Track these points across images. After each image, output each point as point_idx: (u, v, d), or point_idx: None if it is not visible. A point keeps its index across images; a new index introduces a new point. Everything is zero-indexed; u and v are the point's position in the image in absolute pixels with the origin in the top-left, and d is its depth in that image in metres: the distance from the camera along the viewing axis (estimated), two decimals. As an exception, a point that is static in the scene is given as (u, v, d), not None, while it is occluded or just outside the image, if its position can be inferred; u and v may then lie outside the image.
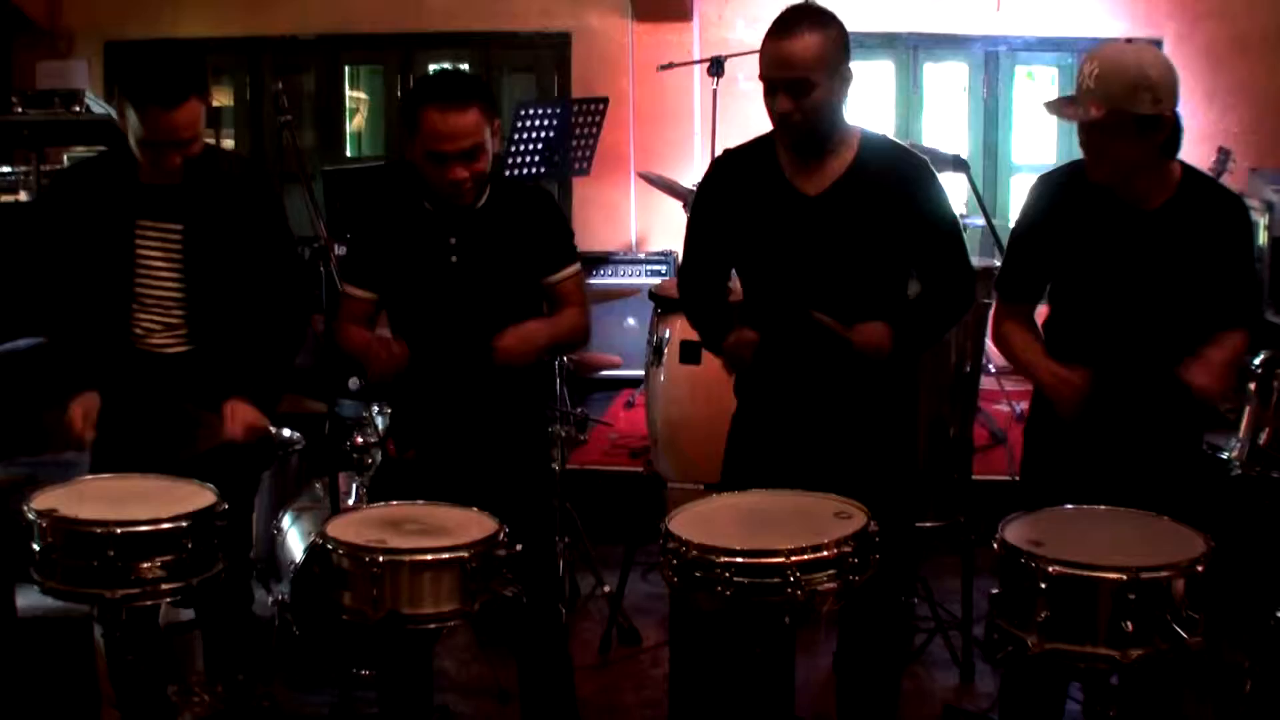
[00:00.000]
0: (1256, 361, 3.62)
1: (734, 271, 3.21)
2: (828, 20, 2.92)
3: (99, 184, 3.23)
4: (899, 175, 3.00)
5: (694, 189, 5.74)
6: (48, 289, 3.31)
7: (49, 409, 3.18)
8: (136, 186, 3.19)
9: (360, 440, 4.26)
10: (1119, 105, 2.78)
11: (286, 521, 4.14)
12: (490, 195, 3.12)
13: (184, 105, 3.05)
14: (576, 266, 3.22)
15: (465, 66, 7.44)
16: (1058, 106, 2.92)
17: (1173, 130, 2.86)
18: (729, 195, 3.09)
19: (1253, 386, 3.64)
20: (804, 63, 2.86)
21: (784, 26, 2.90)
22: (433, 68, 7.51)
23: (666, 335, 4.33)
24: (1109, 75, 2.79)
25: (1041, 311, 3.19)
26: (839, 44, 2.91)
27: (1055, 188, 3.04)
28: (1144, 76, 2.78)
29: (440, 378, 3.14)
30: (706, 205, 3.16)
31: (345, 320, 3.20)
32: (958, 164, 5.16)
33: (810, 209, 2.99)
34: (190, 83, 3.07)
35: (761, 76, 2.93)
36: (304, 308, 3.47)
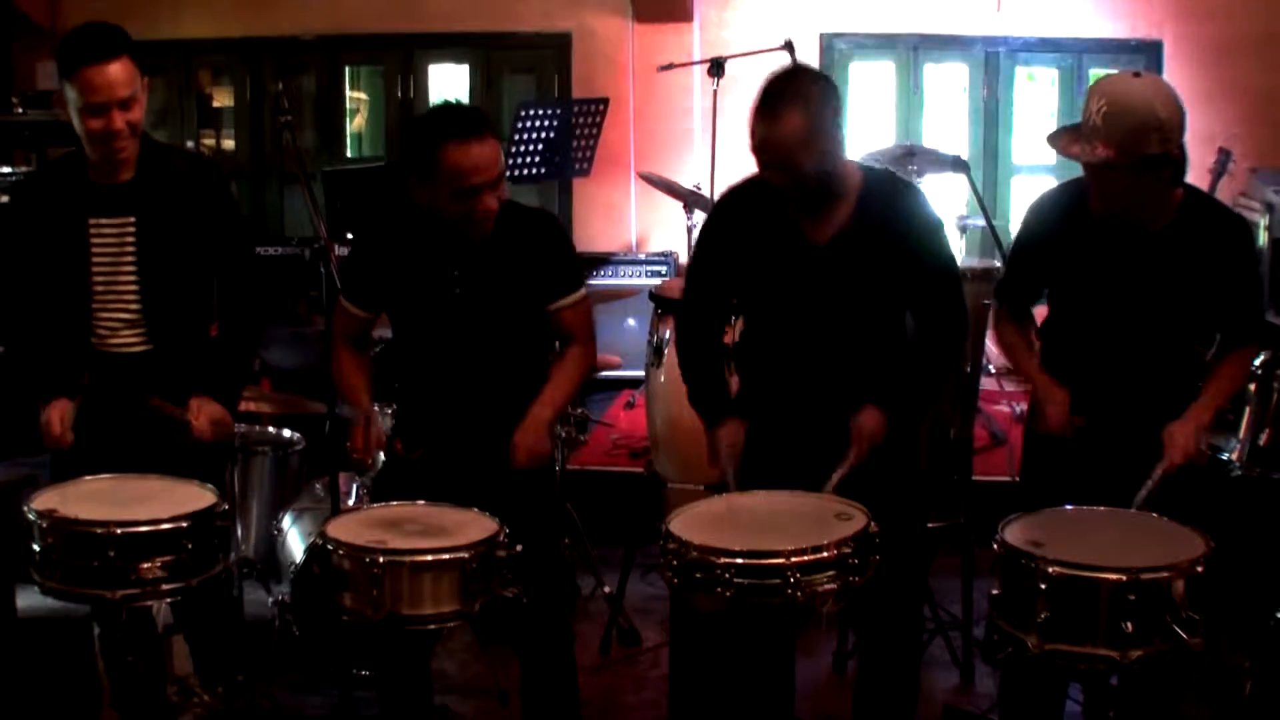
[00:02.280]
0: (1257, 363, 3.63)
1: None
2: (810, 87, 2.86)
3: (50, 189, 3.26)
4: (895, 209, 2.98)
5: (695, 189, 5.76)
6: (9, 298, 3.33)
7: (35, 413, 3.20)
8: (87, 186, 3.21)
9: (360, 441, 4.25)
10: (1127, 147, 2.74)
11: (287, 522, 4.14)
12: (494, 224, 3.07)
13: (116, 59, 3.06)
14: (582, 294, 3.18)
15: (465, 67, 7.45)
16: (1063, 143, 2.84)
17: (1178, 162, 2.83)
18: (735, 239, 3.06)
19: (1253, 387, 3.65)
20: (789, 147, 2.83)
21: (768, 107, 2.85)
22: (433, 69, 7.52)
23: (667, 336, 4.34)
24: (1118, 115, 2.74)
25: (1039, 311, 3.20)
26: (824, 113, 2.84)
27: (1057, 207, 3.03)
28: (1153, 117, 2.74)
29: (445, 384, 3.14)
30: (711, 247, 3.13)
31: (339, 335, 3.20)
32: (958, 165, 5.15)
33: (818, 258, 2.98)
34: (118, 42, 3.09)
35: (752, 151, 2.90)
36: (262, 305, 3.49)
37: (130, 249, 3.22)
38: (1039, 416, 3.03)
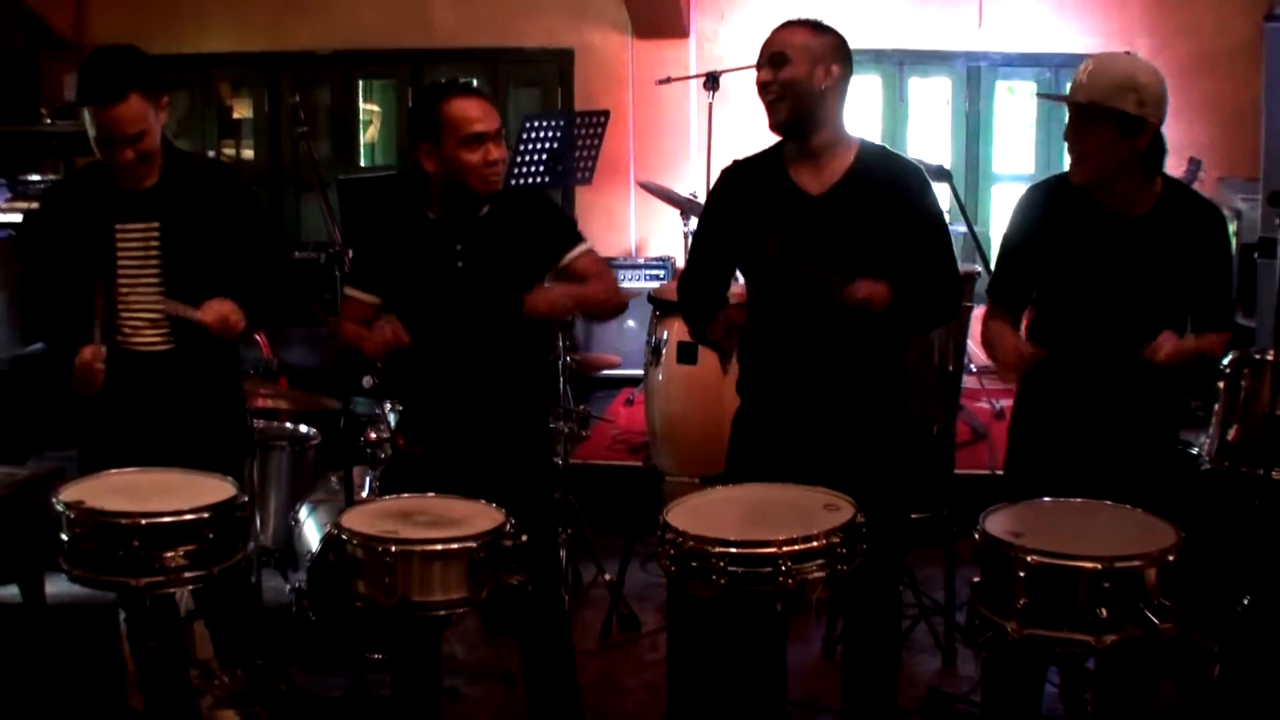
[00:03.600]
0: (1225, 361, 3.61)
1: (737, 275, 3.21)
2: (828, 29, 3.02)
3: (78, 196, 3.27)
4: (896, 178, 3.02)
5: (691, 197, 5.76)
6: (41, 299, 3.33)
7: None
8: (113, 193, 3.21)
9: (374, 436, 4.25)
10: (1104, 100, 2.81)
11: (303, 513, 4.14)
12: (490, 204, 3.12)
13: (123, 102, 3.05)
14: (587, 244, 3.22)
15: (473, 81, 7.44)
16: (1051, 96, 2.97)
17: (1155, 145, 2.86)
18: (736, 198, 3.10)
19: (1222, 385, 3.64)
20: (784, 43, 2.97)
21: (784, 22, 3.02)
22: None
23: (665, 336, 4.34)
24: (1100, 72, 2.85)
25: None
26: (827, 44, 2.99)
27: (1042, 197, 3.04)
28: (1132, 78, 2.82)
29: (449, 378, 3.13)
30: (714, 210, 3.18)
31: (346, 320, 3.20)
32: (941, 174, 5.14)
33: (813, 207, 3.00)
34: (128, 80, 3.07)
35: (756, 67, 3.00)
36: (297, 276, 3.50)
37: (155, 253, 3.22)
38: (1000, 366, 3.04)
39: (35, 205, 6.33)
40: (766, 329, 3.10)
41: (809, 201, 3.01)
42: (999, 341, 3.04)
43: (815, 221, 2.98)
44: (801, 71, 2.95)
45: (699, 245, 3.21)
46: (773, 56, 2.97)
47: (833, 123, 3.02)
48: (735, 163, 3.17)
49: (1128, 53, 2.96)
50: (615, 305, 3.28)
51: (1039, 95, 3.02)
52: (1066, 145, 2.94)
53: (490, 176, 3.04)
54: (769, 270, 3.06)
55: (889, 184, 3.00)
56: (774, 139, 3.07)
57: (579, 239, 3.22)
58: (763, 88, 2.99)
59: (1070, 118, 2.90)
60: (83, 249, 3.21)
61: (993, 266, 3.16)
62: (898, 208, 2.98)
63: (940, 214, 3.11)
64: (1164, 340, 2.86)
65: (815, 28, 3.01)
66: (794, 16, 3.04)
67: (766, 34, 3.03)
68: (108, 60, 3.11)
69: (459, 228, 3.09)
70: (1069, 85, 2.93)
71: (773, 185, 3.04)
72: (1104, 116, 2.82)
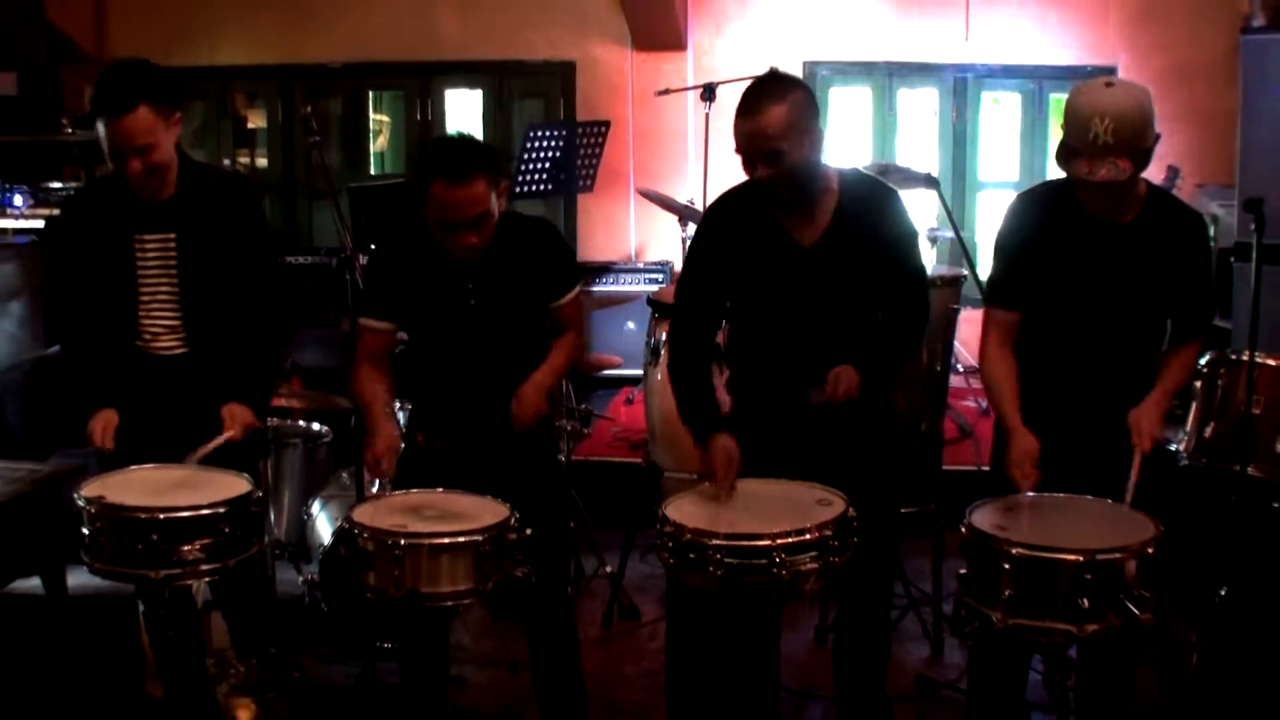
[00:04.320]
0: (1203, 362, 3.62)
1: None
2: (789, 88, 2.85)
3: (98, 206, 3.25)
4: (874, 210, 2.99)
5: (689, 204, 5.76)
6: (62, 304, 3.33)
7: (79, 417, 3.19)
8: (132, 204, 3.20)
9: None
10: (1137, 149, 2.74)
11: (316, 508, 4.14)
12: (499, 237, 3.04)
13: (132, 114, 3.03)
14: (577, 291, 3.18)
15: (479, 92, 7.45)
16: (1085, 168, 2.74)
17: None
18: (726, 246, 3.03)
19: (1199, 385, 3.64)
20: (772, 135, 2.81)
21: (750, 104, 2.84)
22: (449, 93, 7.52)
23: (663, 337, 4.33)
24: (1125, 127, 2.72)
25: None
26: (803, 108, 2.84)
27: (1035, 205, 3.02)
28: (1146, 114, 2.76)
29: (460, 387, 3.12)
30: (703, 256, 3.07)
31: (363, 359, 3.12)
32: (929, 182, 5.15)
33: (806, 259, 2.97)
34: (138, 93, 3.05)
35: (737, 151, 2.89)
36: (286, 311, 3.51)
37: (172, 262, 3.21)
38: (1006, 459, 2.87)
39: (56, 212, 6.35)
40: (757, 334, 3.10)
41: (801, 254, 2.97)
42: (1016, 445, 2.86)
43: (808, 273, 2.97)
44: (800, 154, 2.83)
45: (689, 293, 3.11)
46: (767, 155, 2.82)
47: (820, 172, 2.95)
48: (719, 203, 3.09)
49: (1107, 83, 2.83)
50: (576, 360, 3.26)
51: (1062, 166, 2.81)
52: (1090, 191, 2.83)
53: (463, 255, 2.97)
54: (761, 316, 3.05)
55: (869, 217, 2.97)
56: None
57: (574, 284, 3.17)
58: (767, 182, 2.86)
59: (1100, 185, 2.76)
60: (103, 258, 3.21)
61: (991, 271, 3.11)
62: (876, 238, 2.97)
63: (913, 231, 3.07)
64: (1145, 422, 2.82)
65: (782, 96, 2.82)
66: (755, 78, 2.89)
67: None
68: (120, 74, 3.10)
69: (469, 265, 3.02)
70: (1084, 141, 2.74)
71: (763, 233, 2.98)
72: (1141, 164, 2.76)
